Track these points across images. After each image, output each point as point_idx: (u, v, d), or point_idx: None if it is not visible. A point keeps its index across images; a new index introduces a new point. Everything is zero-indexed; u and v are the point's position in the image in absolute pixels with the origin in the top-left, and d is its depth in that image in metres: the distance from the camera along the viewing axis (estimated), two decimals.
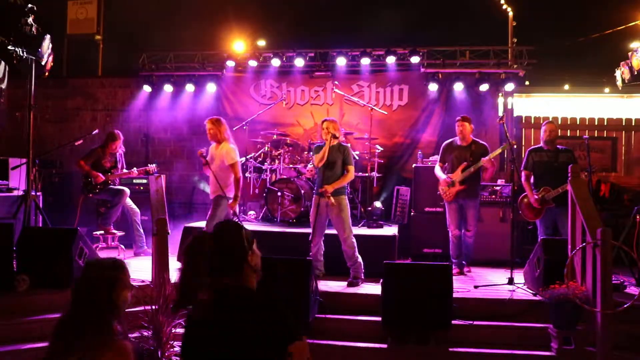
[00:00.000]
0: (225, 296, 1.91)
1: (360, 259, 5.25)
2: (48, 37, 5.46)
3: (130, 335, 3.28)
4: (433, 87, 7.79)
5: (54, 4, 9.86)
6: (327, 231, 5.42)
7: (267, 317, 1.86)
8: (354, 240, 5.22)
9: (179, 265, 2.07)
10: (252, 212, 7.34)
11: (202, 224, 6.75)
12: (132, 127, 8.90)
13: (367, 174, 7.07)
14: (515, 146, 5.79)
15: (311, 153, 5.36)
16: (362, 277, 5.23)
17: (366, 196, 7.22)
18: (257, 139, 7.59)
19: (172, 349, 4.10)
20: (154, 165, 6.89)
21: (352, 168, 5.29)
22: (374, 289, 4.92)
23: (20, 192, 5.91)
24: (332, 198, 5.12)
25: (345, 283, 5.17)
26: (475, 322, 4.40)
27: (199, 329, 1.87)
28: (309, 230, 5.20)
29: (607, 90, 8.54)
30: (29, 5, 5.21)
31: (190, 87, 8.42)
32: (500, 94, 7.97)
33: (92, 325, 2.17)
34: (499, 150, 5.79)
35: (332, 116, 7.85)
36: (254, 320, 1.84)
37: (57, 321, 2.24)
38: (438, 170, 5.89)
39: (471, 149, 5.74)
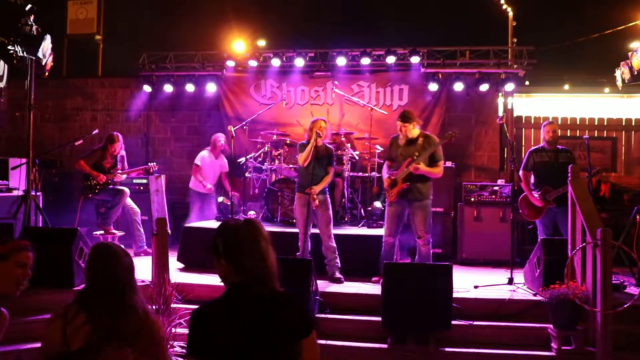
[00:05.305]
0: (239, 293, 1.90)
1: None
2: (48, 37, 5.46)
3: None
4: (433, 87, 7.78)
5: (54, 4, 9.85)
6: (335, 231, 5.50)
7: (283, 311, 1.88)
8: None
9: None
10: (252, 212, 7.33)
11: (202, 224, 6.75)
12: (132, 127, 8.90)
13: (367, 174, 7.07)
14: (454, 137, 5.20)
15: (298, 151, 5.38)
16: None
17: (366, 196, 7.21)
18: (257, 139, 7.58)
19: (172, 349, 4.10)
20: (154, 163, 6.90)
21: (332, 169, 5.40)
22: (374, 289, 4.93)
23: (20, 192, 5.91)
24: (317, 199, 5.16)
25: (348, 283, 5.19)
26: (475, 322, 4.41)
27: (214, 326, 1.85)
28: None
29: (607, 90, 8.52)
30: (29, 5, 5.21)
31: (190, 87, 8.42)
32: (500, 94, 7.97)
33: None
34: (442, 141, 5.20)
35: (332, 116, 7.92)
36: (271, 315, 1.86)
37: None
38: (384, 171, 5.41)
39: (418, 143, 5.16)
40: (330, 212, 5.35)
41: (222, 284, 1.98)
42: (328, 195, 5.42)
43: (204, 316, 1.88)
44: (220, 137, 7.46)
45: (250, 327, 1.83)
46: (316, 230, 5.44)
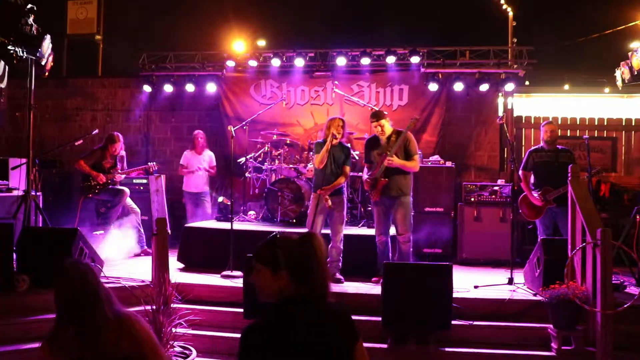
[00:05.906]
0: (299, 307, 1.85)
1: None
2: (48, 37, 5.46)
3: None
4: (433, 87, 7.78)
5: (54, 4, 9.86)
6: (346, 231, 5.51)
7: (338, 320, 1.88)
8: None
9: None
10: (252, 212, 7.34)
11: (202, 224, 6.75)
12: (132, 127, 8.90)
13: None
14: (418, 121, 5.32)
15: (311, 152, 5.39)
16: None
17: (366, 196, 7.20)
18: (257, 139, 7.59)
19: (172, 349, 4.10)
20: (154, 163, 6.90)
21: (348, 169, 5.39)
22: (374, 289, 4.93)
23: (20, 192, 5.91)
24: (329, 200, 5.16)
25: (348, 283, 5.19)
26: (475, 322, 4.41)
27: (272, 345, 1.78)
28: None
29: (607, 90, 8.52)
30: (29, 5, 5.22)
31: (190, 87, 8.42)
32: (500, 94, 7.97)
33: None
34: (407, 129, 5.25)
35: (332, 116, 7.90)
36: (331, 326, 1.85)
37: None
38: (364, 174, 5.49)
39: (391, 140, 5.26)
40: (344, 213, 5.37)
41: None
42: (345, 196, 5.41)
43: (258, 334, 1.80)
44: (199, 134, 7.60)
45: (312, 341, 1.80)
46: (326, 231, 5.41)
